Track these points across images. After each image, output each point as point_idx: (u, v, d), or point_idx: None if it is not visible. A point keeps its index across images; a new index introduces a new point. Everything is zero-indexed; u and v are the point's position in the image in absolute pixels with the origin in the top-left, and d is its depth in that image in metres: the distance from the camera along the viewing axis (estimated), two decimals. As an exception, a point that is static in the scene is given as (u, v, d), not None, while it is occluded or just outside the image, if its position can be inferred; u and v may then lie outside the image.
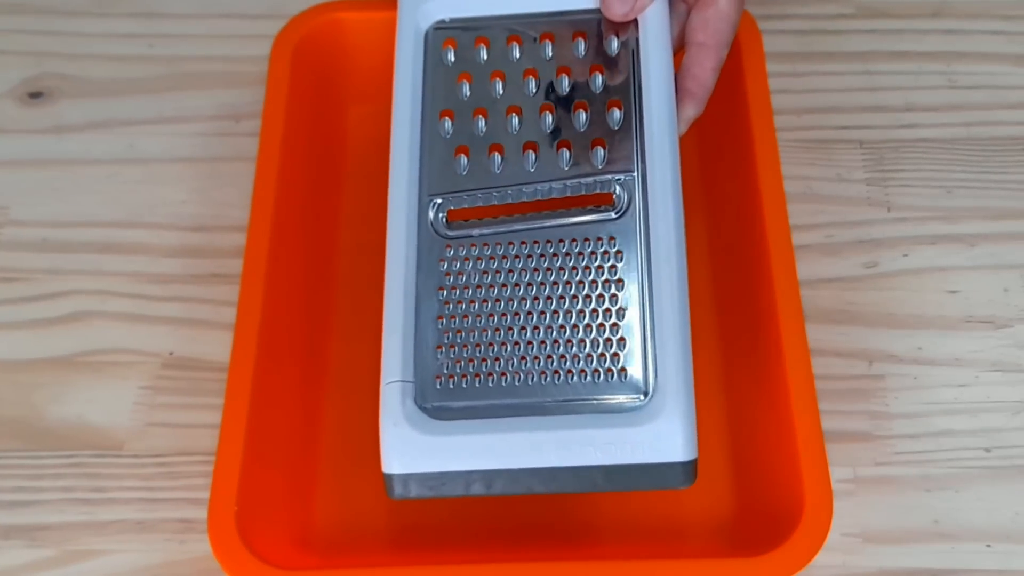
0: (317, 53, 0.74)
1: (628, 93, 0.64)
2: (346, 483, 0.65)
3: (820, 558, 0.57)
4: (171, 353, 0.70)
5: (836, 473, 0.62)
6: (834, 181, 0.75)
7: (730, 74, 0.70)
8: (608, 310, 0.59)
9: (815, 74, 0.79)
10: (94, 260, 0.73)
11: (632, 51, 0.65)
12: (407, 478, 0.58)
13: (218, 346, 0.69)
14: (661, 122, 0.63)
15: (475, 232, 0.61)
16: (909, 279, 0.72)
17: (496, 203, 0.62)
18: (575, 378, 0.59)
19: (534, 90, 0.64)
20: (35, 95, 0.80)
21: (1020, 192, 0.75)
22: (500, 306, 0.60)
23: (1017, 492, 0.65)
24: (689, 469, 0.58)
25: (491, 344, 0.59)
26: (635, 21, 0.65)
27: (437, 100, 0.64)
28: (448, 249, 0.61)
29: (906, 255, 0.72)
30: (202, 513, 0.62)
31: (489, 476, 0.58)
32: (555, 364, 0.59)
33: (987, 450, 0.66)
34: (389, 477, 0.58)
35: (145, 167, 0.77)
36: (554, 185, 0.62)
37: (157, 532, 0.64)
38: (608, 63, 0.65)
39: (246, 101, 0.79)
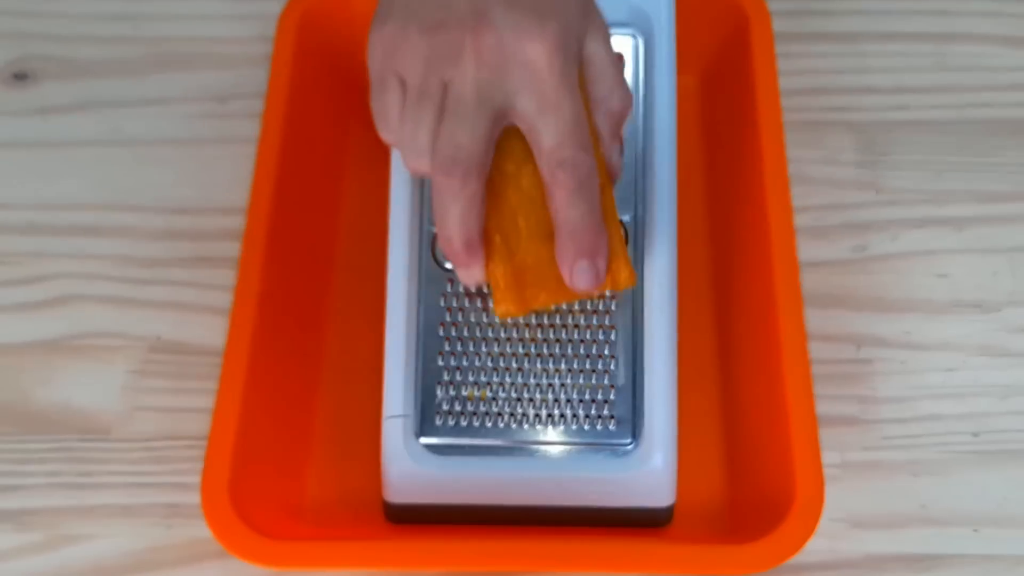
0: (322, 29, 0.74)
1: (631, 131, 0.64)
2: (339, 455, 0.66)
3: (807, 543, 0.57)
4: (158, 337, 0.70)
5: (824, 458, 0.62)
6: (823, 163, 0.75)
7: (739, 57, 0.71)
8: (601, 355, 0.61)
9: (805, 55, 0.79)
10: (80, 243, 0.73)
11: (636, 83, 0.65)
12: (406, 507, 0.61)
13: (205, 330, 0.69)
14: (663, 166, 0.63)
15: None
16: (898, 262, 0.72)
17: None
18: (567, 422, 0.61)
19: None
20: (20, 76, 0.80)
21: (1010, 175, 0.75)
22: (497, 347, 0.62)
23: (1005, 477, 0.65)
24: (669, 512, 0.62)
25: (489, 384, 0.61)
26: (636, 43, 0.65)
27: None
28: (449, 284, 0.62)
29: (895, 238, 0.72)
30: (188, 498, 0.64)
31: (481, 510, 0.61)
32: (549, 408, 0.61)
33: (975, 434, 0.66)
34: (389, 505, 0.61)
35: (130, 149, 0.77)
36: None
37: (144, 516, 0.64)
38: None
39: (232, 82, 0.79)
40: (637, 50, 0.65)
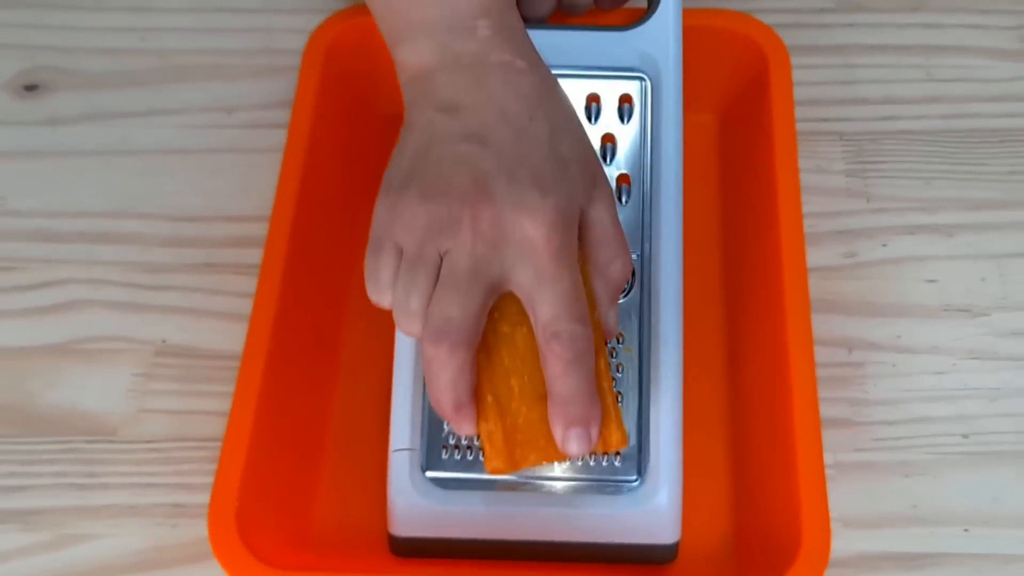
0: (349, 52, 0.74)
1: (638, 171, 0.66)
2: (347, 487, 0.66)
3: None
4: (164, 341, 0.70)
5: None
6: (814, 172, 0.75)
7: (758, 96, 0.72)
8: None
9: (796, 67, 0.77)
10: (88, 250, 0.74)
11: (644, 124, 0.66)
12: (411, 540, 0.61)
13: (210, 334, 0.70)
14: (669, 205, 0.64)
15: None
16: (888, 268, 0.72)
17: None
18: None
19: None
20: (30, 88, 0.80)
21: (997, 183, 0.75)
22: None
23: (994, 477, 0.65)
24: (674, 550, 0.61)
25: None
26: (644, 85, 0.67)
27: None
28: None
29: (885, 245, 0.73)
30: (194, 498, 0.64)
31: (486, 545, 0.60)
32: None
33: (965, 436, 0.67)
34: (394, 538, 0.61)
35: (138, 158, 0.77)
36: None
37: (149, 516, 0.65)
38: (620, 135, 0.67)
39: (238, 93, 0.79)
40: (646, 93, 0.67)
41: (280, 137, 0.71)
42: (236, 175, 0.76)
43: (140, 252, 0.74)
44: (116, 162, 0.77)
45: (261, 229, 0.70)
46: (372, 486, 0.63)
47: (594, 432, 0.53)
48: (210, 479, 0.63)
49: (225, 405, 0.65)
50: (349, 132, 0.75)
